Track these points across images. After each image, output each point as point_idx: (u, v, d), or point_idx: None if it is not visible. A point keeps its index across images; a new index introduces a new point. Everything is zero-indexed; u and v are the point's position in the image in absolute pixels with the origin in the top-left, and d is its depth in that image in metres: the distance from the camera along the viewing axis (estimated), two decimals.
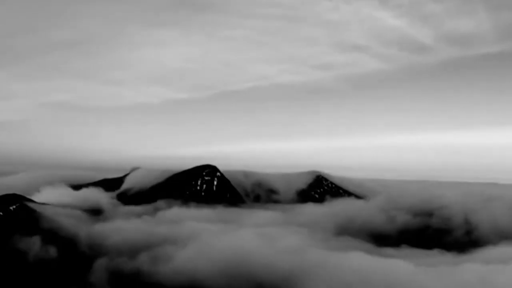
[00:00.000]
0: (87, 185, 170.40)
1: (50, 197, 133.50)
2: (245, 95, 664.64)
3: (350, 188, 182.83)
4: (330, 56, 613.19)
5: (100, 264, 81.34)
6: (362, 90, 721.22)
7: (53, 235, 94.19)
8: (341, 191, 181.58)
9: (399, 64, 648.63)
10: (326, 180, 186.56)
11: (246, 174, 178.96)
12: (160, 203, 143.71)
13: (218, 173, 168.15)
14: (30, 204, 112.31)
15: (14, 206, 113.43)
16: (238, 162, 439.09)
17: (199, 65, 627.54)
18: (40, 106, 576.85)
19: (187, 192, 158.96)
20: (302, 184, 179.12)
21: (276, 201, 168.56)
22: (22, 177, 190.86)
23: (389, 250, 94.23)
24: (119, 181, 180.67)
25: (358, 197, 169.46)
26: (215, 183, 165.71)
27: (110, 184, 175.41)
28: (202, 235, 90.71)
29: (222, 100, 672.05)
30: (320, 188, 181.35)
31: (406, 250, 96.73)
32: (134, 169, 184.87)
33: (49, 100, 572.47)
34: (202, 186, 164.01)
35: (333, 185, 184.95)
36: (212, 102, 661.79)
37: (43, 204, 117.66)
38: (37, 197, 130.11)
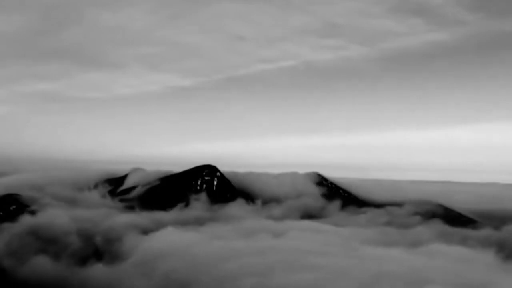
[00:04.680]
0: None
1: None
2: (255, 80, 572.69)
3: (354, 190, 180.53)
4: (374, 23, 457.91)
5: None
6: (407, 71, 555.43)
7: None
8: (341, 191, 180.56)
9: (463, 33, 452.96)
10: (326, 180, 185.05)
11: (248, 174, 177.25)
12: None
13: (218, 173, 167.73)
14: None
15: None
16: (242, 160, 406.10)
17: (201, 42, 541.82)
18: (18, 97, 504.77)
19: (187, 192, 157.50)
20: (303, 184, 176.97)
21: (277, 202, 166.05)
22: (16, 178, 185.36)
23: None
24: (120, 181, 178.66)
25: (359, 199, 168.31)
26: (215, 183, 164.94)
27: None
28: None
29: (227, 88, 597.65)
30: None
31: None
32: (133, 170, 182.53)
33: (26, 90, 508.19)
34: (202, 186, 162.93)
35: (333, 185, 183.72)
36: (215, 90, 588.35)
37: None
38: None
